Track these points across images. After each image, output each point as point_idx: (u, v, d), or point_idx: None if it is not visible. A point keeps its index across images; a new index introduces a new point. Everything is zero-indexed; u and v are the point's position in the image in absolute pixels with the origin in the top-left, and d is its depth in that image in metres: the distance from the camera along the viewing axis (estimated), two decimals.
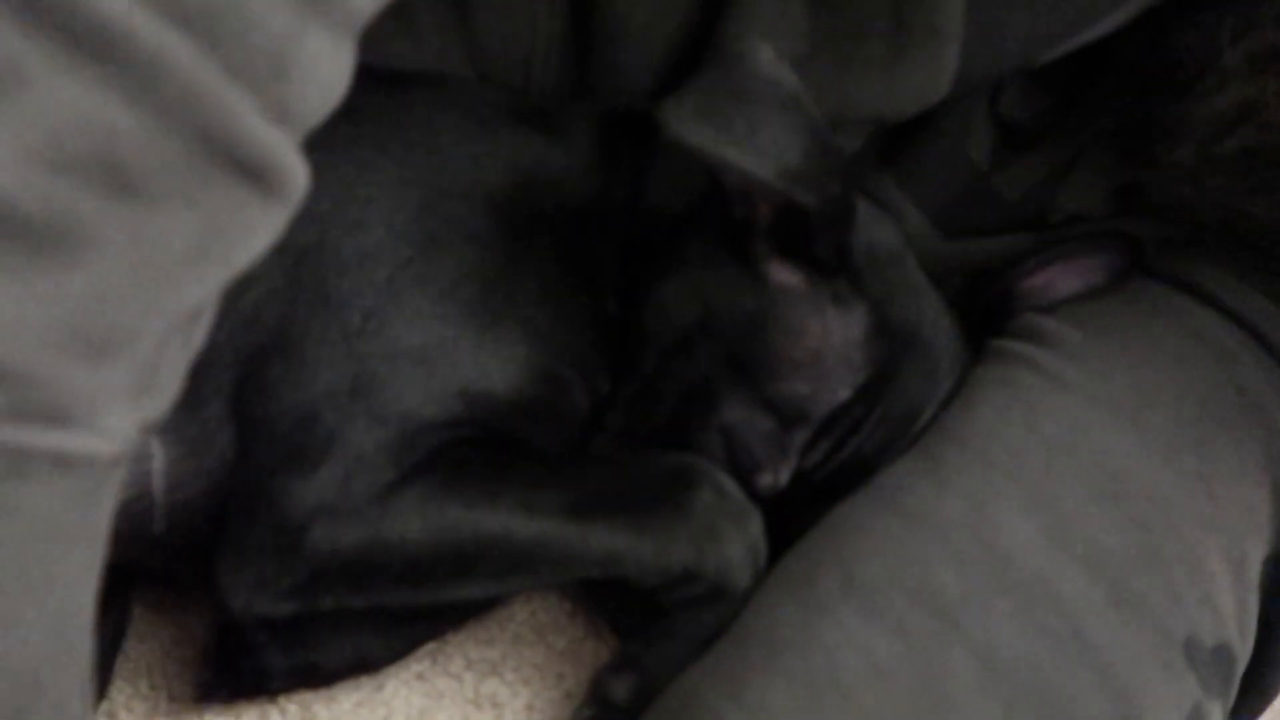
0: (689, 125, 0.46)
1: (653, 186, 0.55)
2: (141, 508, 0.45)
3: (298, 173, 0.33)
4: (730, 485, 0.49)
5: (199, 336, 0.35)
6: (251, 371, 0.47)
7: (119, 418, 0.31)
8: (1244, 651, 0.47)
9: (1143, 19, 0.51)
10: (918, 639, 0.43)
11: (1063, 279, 0.56)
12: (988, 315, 0.57)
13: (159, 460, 0.46)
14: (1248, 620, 0.47)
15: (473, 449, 0.49)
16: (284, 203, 0.34)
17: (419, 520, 0.46)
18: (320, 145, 0.35)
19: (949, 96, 0.53)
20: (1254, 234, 0.54)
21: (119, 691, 0.51)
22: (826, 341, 0.51)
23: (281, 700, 0.52)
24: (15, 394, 0.28)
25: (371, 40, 0.37)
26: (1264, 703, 0.49)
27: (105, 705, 0.50)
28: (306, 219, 0.48)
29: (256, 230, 0.34)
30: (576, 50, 0.57)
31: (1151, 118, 0.53)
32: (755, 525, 0.49)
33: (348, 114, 0.51)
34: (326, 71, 0.33)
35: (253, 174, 0.32)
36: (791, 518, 0.50)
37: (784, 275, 0.51)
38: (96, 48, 0.28)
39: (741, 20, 0.53)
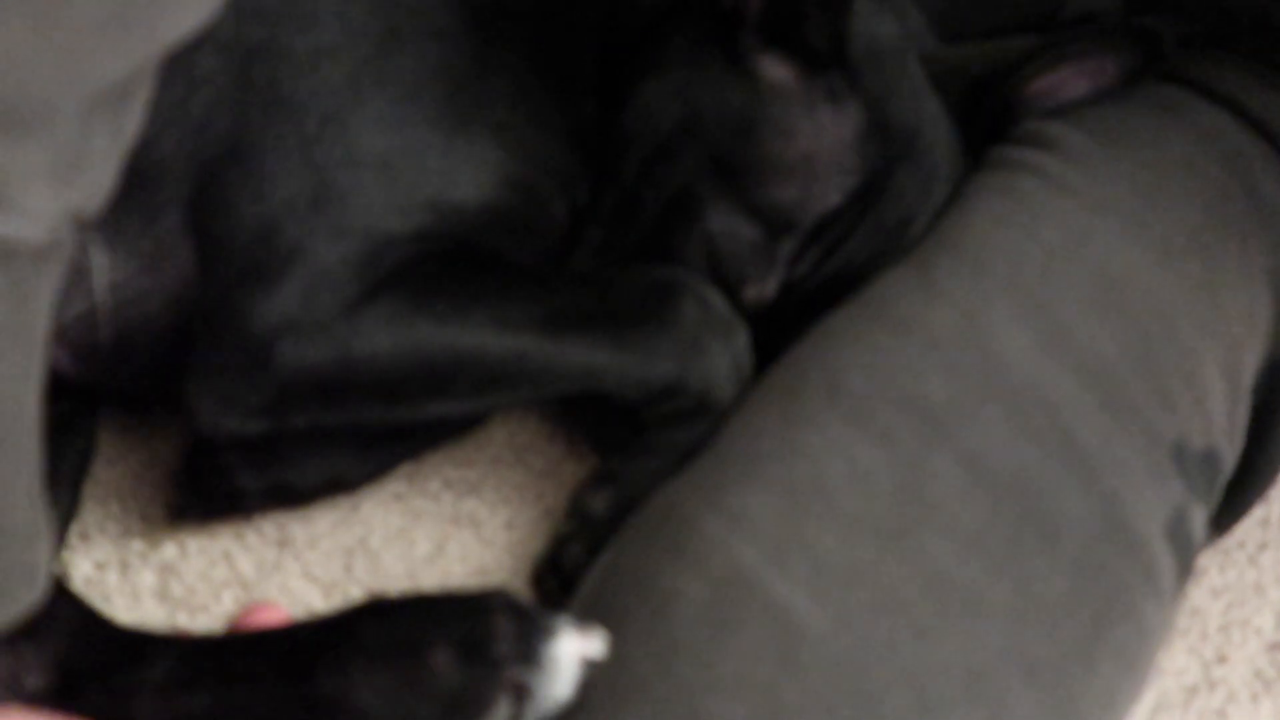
0: None
1: None
2: (83, 315, 0.45)
3: None
4: (715, 297, 0.49)
5: (131, 125, 0.33)
6: (207, 182, 0.46)
7: (41, 199, 0.30)
8: (1232, 456, 0.48)
9: None
10: (902, 445, 0.43)
11: (1071, 82, 0.54)
12: (990, 122, 0.55)
13: (101, 272, 0.45)
14: (1238, 426, 0.48)
15: (443, 263, 0.48)
16: None
17: (388, 336, 0.46)
18: None
19: None
20: (1276, 35, 0.52)
21: (89, 514, 0.51)
22: (818, 142, 0.50)
23: (257, 520, 0.52)
24: None
25: None
26: (1247, 506, 0.51)
27: (77, 526, 0.51)
28: (253, 15, 0.47)
29: (183, 2, 0.31)
30: None
31: None
32: (740, 338, 0.49)
33: None
34: None
35: None
36: (779, 330, 0.50)
37: (775, 70, 0.50)
38: None
39: None
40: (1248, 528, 0.56)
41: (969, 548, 0.41)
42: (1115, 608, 0.42)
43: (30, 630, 0.35)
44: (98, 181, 0.32)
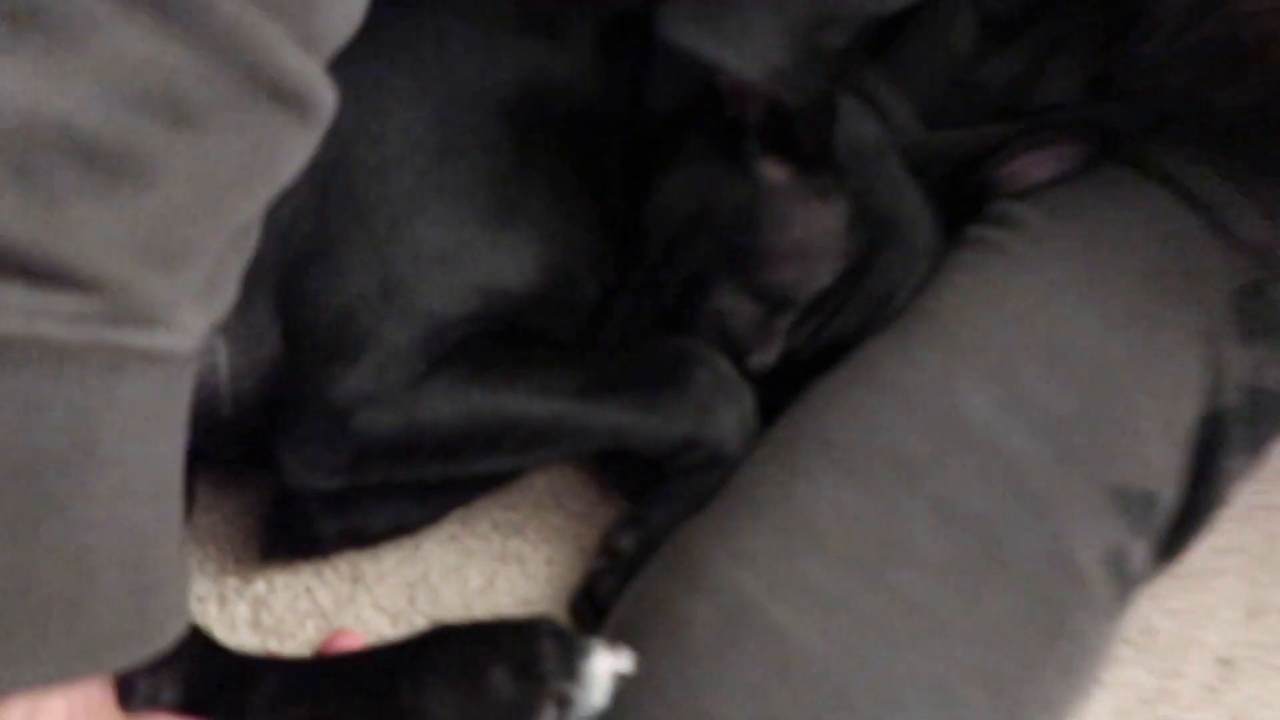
0: (684, 28, 0.48)
1: (651, 88, 0.57)
2: (210, 396, 0.50)
3: (327, 97, 0.36)
4: (725, 365, 0.53)
5: (250, 246, 0.39)
6: (292, 277, 0.50)
7: (192, 318, 0.35)
8: (1171, 496, 0.52)
9: None
10: (882, 492, 0.47)
11: (1036, 166, 0.59)
12: (968, 201, 0.59)
13: (222, 356, 0.50)
14: (1176, 471, 0.52)
15: (493, 341, 0.52)
16: (316, 124, 0.37)
17: (448, 405, 0.50)
18: (337, 62, 0.37)
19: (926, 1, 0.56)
20: (1215, 121, 0.57)
21: (190, 556, 0.57)
22: (811, 233, 0.54)
23: (334, 560, 0.58)
24: (112, 301, 0.32)
25: None
26: (1192, 538, 0.54)
27: None
28: (331, 135, 0.50)
29: (294, 150, 0.37)
30: None
31: (1127, 8, 0.55)
32: (747, 400, 0.53)
33: (362, 29, 0.54)
34: (347, 4, 0.36)
35: (290, 101, 0.35)
36: (779, 392, 0.54)
37: (773, 171, 0.54)
38: None
39: None
40: (1203, 556, 0.58)
41: (936, 579, 0.46)
42: (1059, 627, 0.46)
43: (165, 654, 0.39)
44: (229, 295, 0.38)
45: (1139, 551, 0.50)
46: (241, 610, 0.56)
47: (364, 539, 0.57)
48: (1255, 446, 0.55)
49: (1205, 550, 0.59)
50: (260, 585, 0.57)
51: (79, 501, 0.33)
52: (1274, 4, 0.49)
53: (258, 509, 0.59)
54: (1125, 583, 0.49)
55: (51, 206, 0.31)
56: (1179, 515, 0.53)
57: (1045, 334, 0.52)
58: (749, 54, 0.48)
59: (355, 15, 0.37)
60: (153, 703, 0.43)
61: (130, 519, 0.34)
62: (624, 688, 0.43)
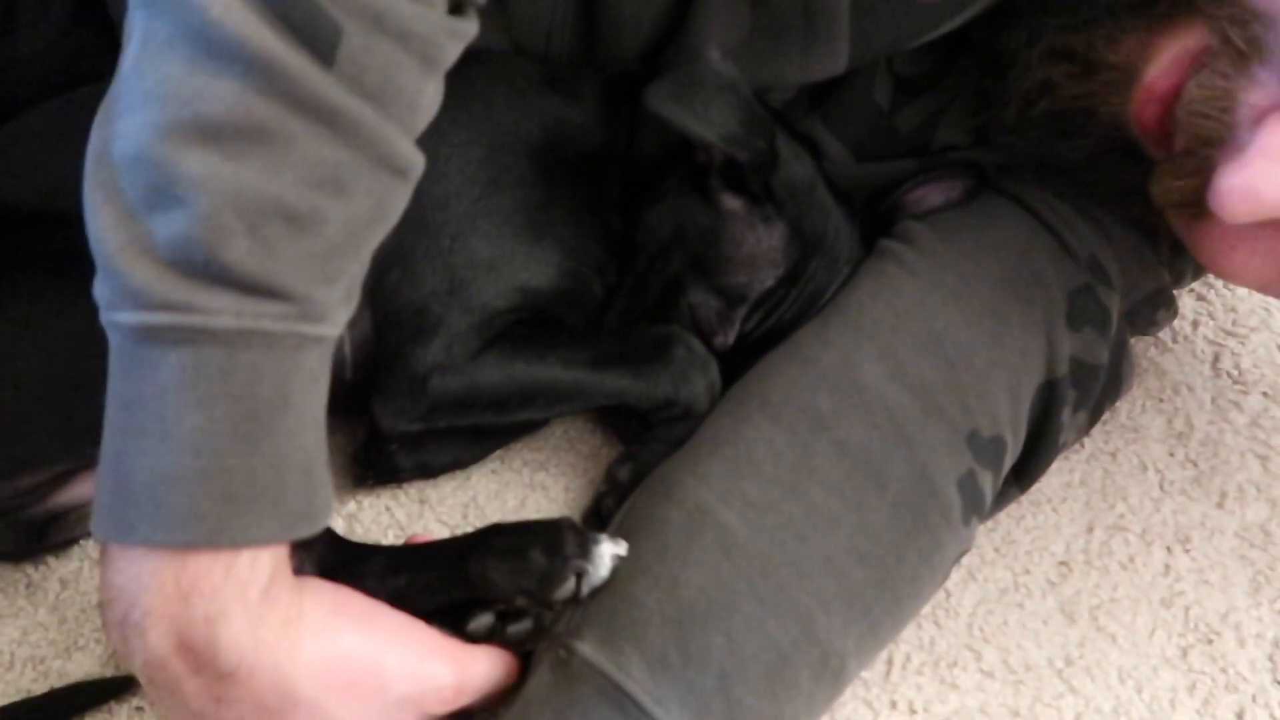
0: (665, 103, 0.62)
1: (642, 137, 0.70)
2: (338, 364, 0.62)
3: (419, 163, 0.52)
4: (696, 344, 0.66)
5: (367, 264, 0.54)
6: (379, 278, 0.63)
7: (341, 315, 0.49)
8: (1014, 444, 0.65)
9: (979, 20, 0.68)
10: (801, 435, 0.60)
11: (932, 194, 0.72)
12: (882, 220, 0.73)
13: (345, 338, 0.65)
14: (1019, 425, 0.65)
15: (528, 326, 0.65)
16: (412, 183, 0.52)
17: (497, 372, 0.64)
18: None
19: (849, 69, 0.71)
20: (1058, 164, 0.71)
21: None
22: (758, 248, 0.67)
23: (406, 486, 0.71)
24: (302, 307, 0.48)
25: None
26: (1037, 474, 0.68)
27: None
28: None
29: (400, 202, 0.52)
30: (585, 26, 0.73)
31: (990, 86, 0.70)
32: (713, 370, 0.67)
33: None
34: (432, 101, 0.52)
35: (399, 172, 0.51)
36: (736, 364, 0.67)
37: (730, 202, 0.67)
38: (326, 118, 0.47)
39: (703, 15, 0.69)
40: (1055, 488, 0.74)
41: (834, 494, 0.59)
42: (919, 527, 0.60)
43: (311, 539, 0.51)
44: (356, 298, 0.52)
45: (987, 481, 0.64)
46: (338, 524, 0.69)
47: (430, 471, 0.70)
48: (1082, 404, 0.71)
49: (1057, 484, 0.74)
50: (351, 504, 0.71)
51: (279, 430, 0.49)
52: (1086, 92, 0.66)
53: (347, 448, 0.72)
54: (975, 501, 0.63)
55: (268, 250, 0.47)
56: (1025, 456, 0.68)
57: (922, 324, 0.65)
58: (711, 124, 0.64)
59: (434, 110, 0.52)
60: (302, 572, 0.58)
61: (304, 443, 0.50)
62: (620, 566, 0.57)
